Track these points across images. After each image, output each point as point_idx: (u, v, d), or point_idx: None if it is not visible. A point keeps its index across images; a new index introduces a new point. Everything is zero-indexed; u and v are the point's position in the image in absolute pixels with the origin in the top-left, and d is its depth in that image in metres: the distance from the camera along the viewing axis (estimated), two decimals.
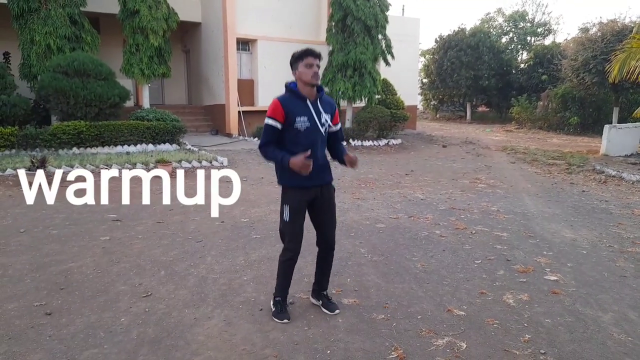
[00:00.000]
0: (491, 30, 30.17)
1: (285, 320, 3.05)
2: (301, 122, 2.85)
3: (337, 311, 3.18)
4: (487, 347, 2.77)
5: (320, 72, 2.91)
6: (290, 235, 3.02)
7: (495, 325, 3.05)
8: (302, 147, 2.84)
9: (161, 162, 8.54)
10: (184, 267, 4.02)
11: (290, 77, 3.00)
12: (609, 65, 11.12)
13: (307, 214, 3.10)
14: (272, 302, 3.19)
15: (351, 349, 2.73)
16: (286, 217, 2.97)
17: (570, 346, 2.80)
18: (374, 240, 4.84)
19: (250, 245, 4.64)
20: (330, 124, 3.02)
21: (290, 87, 2.93)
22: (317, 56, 2.88)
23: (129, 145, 10.64)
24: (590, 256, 4.48)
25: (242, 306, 3.28)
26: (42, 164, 7.48)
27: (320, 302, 3.28)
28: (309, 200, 3.02)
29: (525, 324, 3.07)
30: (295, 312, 3.20)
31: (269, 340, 2.83)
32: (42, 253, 4.29)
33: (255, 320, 3.07)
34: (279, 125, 2.85)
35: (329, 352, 2.70)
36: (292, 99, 2.89)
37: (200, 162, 9.59)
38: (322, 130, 2.95)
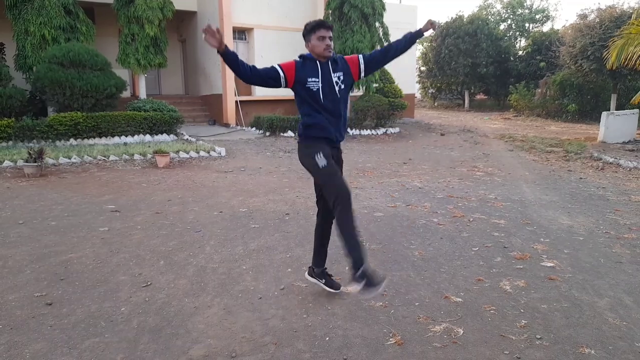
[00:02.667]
0: (489, 17, 29.98)
1: (386, 280, 2.90)
2: (312, 82, 2.90)
3: (341, 288, 3.23)
4: (483, 333, 2.81)
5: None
6: (334, 183, 2.83)
7: (492, 311, 3.08)
8: (320, 107, 2.91)
9: (159, 153, 8.54)
10: (183, 256, 4.04)
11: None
12: (606, 52, 11.09)
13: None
14: (356, 278, 2.68)
15: (349, 336, 2.76)
16: (322, 163, 2.84)
17: (566, 331, 2.84)
18: (372, 229, 4.87)
19: (249, 234, 4.66)
20: (344, 77, 2.98)
21: (307, 55, 2.98)
22: (330, 28, 2.92)
23: (126, 136, 10.63)
24: (586, 242, 4.52)
25: (241, 295, 3.31)
26: (40, 156, 7.47)
27: (323, 280, 3.30)
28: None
29: (522, 310, 3.10)
30: (294, 300, 3.23)
31: (269, 327, 2.86)
32: (41, 244, 4.30)
33: (255, 309, 3.10)
34: (282, 75, 2.88)
35: (327, 339, 2.73)
36: (305, 63, 2.95)
37: (198, 153, 9.59)
38: (337, 88, 2.95)
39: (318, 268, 3.33)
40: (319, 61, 2.94)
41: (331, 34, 2.93)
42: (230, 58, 2.77)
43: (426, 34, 3.16)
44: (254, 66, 2.92)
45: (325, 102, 2.93)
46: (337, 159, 3.10)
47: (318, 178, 2.98)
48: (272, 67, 2.91)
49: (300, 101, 3.01)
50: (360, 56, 3.10)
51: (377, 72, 14.10)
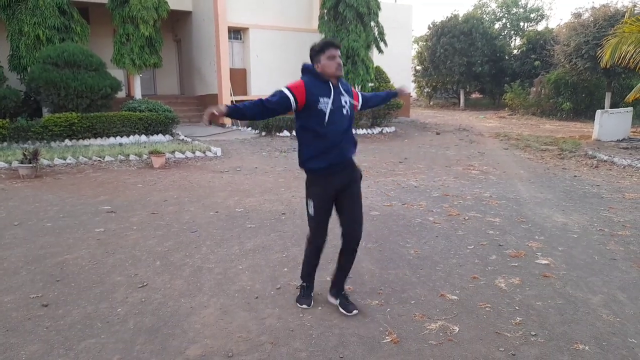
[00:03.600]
0: (484, 16, 30.05)
1: (305, 306, 3.11)
2: (324, 103, 2.79)
3: (355, 312, 3.02)
4: (479, 330, 2.83)
5: None
6: (315, 231, 3.05)
7: (487, 308, 3.10)
8: (330, 131, 2.81)
9: (154, 153, 8.52)
10: (179, 257, 4.04)
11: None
12: (601, 51, 11.13)
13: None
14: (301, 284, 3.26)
15: (346, 334, 2.78)
16: (311, 212, 2.97)
17: (561, 328, 2.86)
18: (368, 228, 4.86)
19: (245, 234, 4.66)
20: (352, 102, 3.02)
21: (313, 70, 2.87)
22: (338, 47, 2.85)
23: (121, 137, 10.59)
24: (581, 240, 4.55)
25: (237, 295, 3.32)
26: (35, 157, 7.44)
27: (339, 301, 3.13)
28: (335, 189, 2.93)
29: (517, 307, 3.13)
30: (290, 300, 3.24)
31: (265, 327, 2.87)
32: (37, 245, 4.29)
33: (251, 308, 3.11)
34: (292, 99, 2.75)
35: (324, 337, 2.74)
36: (316, 82, 2.84)
37: (194, 153, 9.58)
38: (344, 111, 2.89)
39: (335, 289, 3.19)
40: (331, 82, 2.85)
41: (340, 53, 2.85)
42: (234, 116, 2.78)
43: (399, 96, 3.65)
44: (261, 102, 2.77)
45: (334, 123, 2.82)
46: (349, 181, 2.97)
47: (307, 217, 3.09)
48: (281, 94, 2.75)
49: (302, 126, 2.88)
50: (359, 94, 3.24)
51: (372, 71, 14.12)
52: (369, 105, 3.40)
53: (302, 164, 2.96)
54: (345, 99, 2.91)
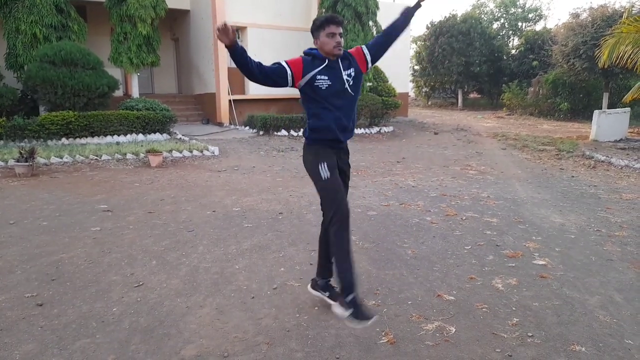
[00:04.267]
0: (482, 16, 30.05)
1: (375, 318, 2.63)
2: (321, 79, 2.72)
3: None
4: (475, 331, 2.82)
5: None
6: (334, 198, 2.74)
7: (484, 309, 3.10)
8: (329, 107, 2.75)
9: (151, 152, 8.49)
10: (175, 256, 4.03)
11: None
12: (598, 51, 11.14)
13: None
14: (343, 304, 2.59)
15: (342, 335, 2.76)
16: (326, 175, 2.73)
17: (557, 329, 2.85)
18: (365, 228, 4.87)
19: (242, 234, 4.65)
20: (355, 73, 2.83)
21: (312, 51, 2.80)
22: (340, 23, 2.73)
23: (118, 136, 10.56)
24: (578, 240, 4.55)
25: (234, 294, 3.30)
26: (31, 155, 7.41)
27: (327, 293, 3.07)
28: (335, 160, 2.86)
29: (514, 308, 3.12)
30: (286, 300, 3.22)
31: (261, 327, 2.86)
32: (32, 244, 4.27)
33: (247, 308, 3.10)
34: (289, 72, 2.69)
35: (320, 338, 2.73)
36: (314, 60, 2.77)
37: (191, 152, 9.56)
38: (348, 86, 2.79)
39: (322, 280, 3.12)
40: (328, 59, 2.76)
41: (341, 30, 2.76)
42: (238, 52, 2.57)
43: (423, 4, 2.99)
44: (260, 63, 2.70)
45: (335, 100, 2.76)
46: (342, 161, 2.95)
47: (319, 189, 2.82)
48: (279, 64, 2.71)
49: (307, 99, 2.84)
50: (364, 46, 2.95)
51: (371, 71, 14.10)
52: (390, 40, 2.94)
53: (311, 135, 2.88)
54: (347, 73, 2.80)
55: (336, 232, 2.67)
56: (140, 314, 3.01)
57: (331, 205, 2.74)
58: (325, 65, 2.77)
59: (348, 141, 3.02)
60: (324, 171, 2.74)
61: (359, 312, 2.54)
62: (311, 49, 2.87)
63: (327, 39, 2.72)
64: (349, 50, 2.95)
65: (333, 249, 2.71)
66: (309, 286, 3.26)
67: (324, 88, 2.74)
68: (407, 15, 2.96)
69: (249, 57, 2.64)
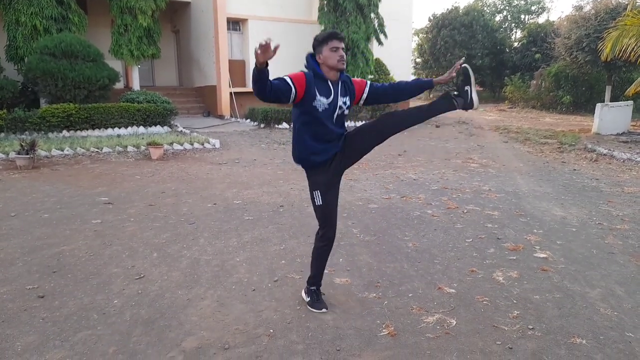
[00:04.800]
0: (485, 8, 29.89)
1: (324, 310, 2.96)
2: (320, 101, 2.72)
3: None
4: (476, 324, 2.82)
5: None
6: (326, 222, 2.92)
7: (484, 302, 3.10)
8: (318, 125, 2.76)
9: (152, 145, 8.48)
10: (176, 249, 4.03)
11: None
12: (601, 44, 11.07)
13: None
14: (310, 288, 3.07)
15: (343, 327, 2.77)
16: (319, 202, 2.87)
17: (558, 321, 2.85)
18: (366, 221, 4.87)
19: (243, 226, 4.64)
20: (349, 103, 2.88)
21: (314, 68, 2.77)
22: (342, 39, 2.75)
23: (119, 128, 10.55)
24: (579, 234, 4.54)
25: (235, 287, 3.31)
26: (32, 148, 7.41)
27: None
28: (337, 170, 2.93)
29: (514, 301, 3.12)
30: (287, 292, 3.23)
31: (262, 319, 2.86)
32: (33, 237, 4.27)
33: (248, 301, 3.10)
34: (292, 88, 2.63)
35: (320, 330, 2.74)
36: (316, 80, 2.75)
37: (192, 145, 9.55)
38: (339, 112, 2.82)
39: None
40: (330, 81, 2.76)
41: (343, 46, 2.76)
42: (265, 74, 2.52)
43: (438, 84, 3.09)
44: (270, 82, 2.59)
45: (327, 122, 2.77)
46: (347, 146, 2.94)
47: (314, 209, 2.95)
48: (285, 83, 2.63)
49: (297, 117, 2.81)
50: (368, 84, 2.95)
51: (372, 63, 14.04)
52: (383, 100, 3.05)
53: (300, 160, 2.91)
54: (342, 100, 2.82)
55: (321, 248, 3.00)
56: (141, 306, 3.02)
57: (324, 224, 2.95)
58: (328, 87, 2.76)
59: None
60: (317, 198, 2.89)
61: (314, 302, 3.02)
62: (311, 55, 2.81)
63: (330, 53, 2.71)
64: (352, 79, 2.94)
65: (313, 260, 3.05)
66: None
67: (320, 110, 2.73)
68: (420, 88, 3.05)
69: (274, 83, 2.60)
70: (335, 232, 2.99)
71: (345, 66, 2.79)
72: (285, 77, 2.66)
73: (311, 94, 2.70)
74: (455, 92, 2.92)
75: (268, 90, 2.56)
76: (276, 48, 2.37)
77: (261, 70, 2.45)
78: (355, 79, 2.99)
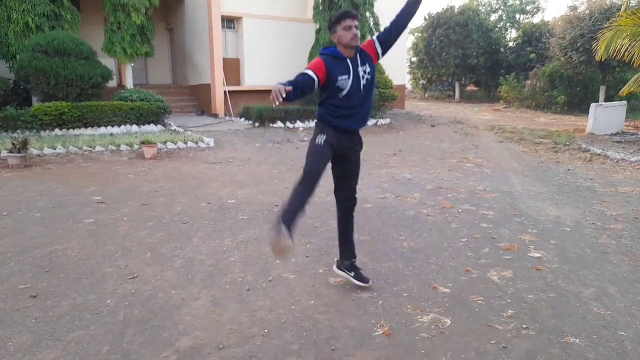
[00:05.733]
0: (480, 8, 29.94)
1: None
2: (342, 80, 2.88)
3: (370, 282, 3.23)
4: (470, 323, 2.82)
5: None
6: (312, 161, 2.92)
7: (479, 301, 3.10)
8: (346, 104, 2.92)
9: (146, 144, 8.43)
10: (170, 248, 4.01)
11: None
12: (596, 44, 11.12)
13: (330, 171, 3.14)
14: (276, 220, 2.77)
15: (337, 327, 2.76)
16: (320, 141, 2.93)
17: (552, 321, 2.86)
18: (361, 220, 4.84)
19: (237, 226, 4.63)
20: (370, 68, 3.00)
21: (330, 50, 2.93)
22: (355, 17, 2.88)
23: (112, 127, 10.48)
24: (573, 233, 4.56)
25: (229, 287, 3.29)
26: (24, 146, 7.34)
27: (352, 273, 3.26)
28: (340, 145, 3.01)
29: (509, 300, 3.12)
30: (282, 292, 3.21)
31: (256, 319, 2.85)
32: (25, 236, 4.23)
33: (243, 300, 3.08)
34: (314, 77, 2.82)
35: (315, 330, 2.73)
36: (333, 60, 2.91)
37: (186, 143, 9.49)
38: (364, 82, 2.95)
39: (347, 261, 3.29)
40: (348, 58, 2.92)
41: (357, 23, 2.89)
42: (296, 95, 2.72)
43: None
44: (296, 82, 2.76)
45: (350, 98, 2.93)
46: (352, 146, 3.09)
47: (308, 148, 3.01)
48: (307, 76, 2.80)
49: (323, 94, 2.98)
50: (375, 38, 3.08)
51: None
52: (395, 37, 3.06)
53: (323, 121, 3.02)
54: (363, 69, 2.96)
55: (301, 187, 2.85)
56: (135, 305, 3.00)
57: (307, 165, 2.91)
58: (346, 65, 2.92)
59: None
60: (320, 138, 2.94)
61: (276, 232, 2.68)
62: (326, 47, 2.99)
63: (344, 32, 2.87)
64: (362, 46, 3.05)
65: (292, 192, 2.86)
66: (334, 267, 3.39)
67: (344, 88, 2.90)
68: (415, 2, 3.05)
69: (296, 87, 2.72)
70: (355, 201, 3.19)
71: (358, 42, 2.92)
72: (305, 71, 2.83)
73: (333, 76, 2.87)
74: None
75: (300, 92, 2.76)
76: (285, 90, 2.57)
77: (291, 99, 2.70)
78: (364, 44, 3.08)
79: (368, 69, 2.99)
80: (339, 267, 3.34)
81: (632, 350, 2.56)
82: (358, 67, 2.94)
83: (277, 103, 2.57)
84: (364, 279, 3.25)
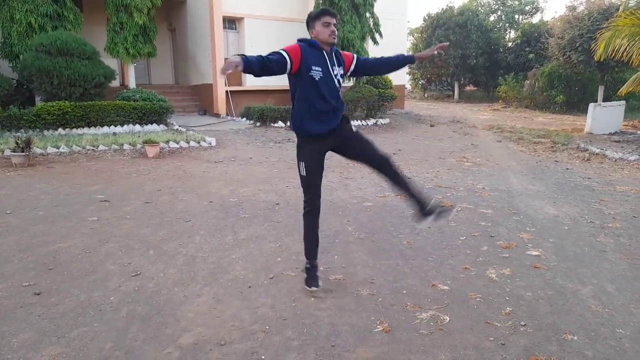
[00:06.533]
0: (479, 8, 29.98)
1: (314, 288, 3.14)
2: (316, 71, 2.90)
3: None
4: (469, 320, 2.86)
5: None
6: (308, 192, 3.11)
7: (477, 299, 3.14)
8: (315, 94, 2.93)
9: (148, 143, 8.48)
10: (172, 246, 4.05)
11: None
12: (594, 44, 11.15)
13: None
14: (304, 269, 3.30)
15: (338, 324, 2.80)
16: (302, 173, 3.07)
17: (550, 318, 2.90)
18: (361, 219, 4.90)
19: (239, 224, 4.67)
20: (342, 72, 3.07)
21: (309, 40, 2.96)
22: (334, 15, 2.95)
23: (115, 126, 10.53)
24: (571, 232, 4.59)
25: (230, 284, 3.33)
26: (27, 145, 7.38)
27: (434, 214, 3.15)
28: (326, 150, 3.10)
29: (507, 298, 3.16)
30: (283, 289, 3.25)
31: (258, 316, 2.89)
32: (29, 234, 4.28)
33: (244, 297, 3.12)
34: (288, 60, 2.81)
35: (316, 326, 2.77)
36: (310, 49, 2.94)
37: (188, 143, 9.54)
38: (336, 80, 3.00)
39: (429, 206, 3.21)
40: (325, 51, 2.95)
41: (335, 21, 2.94)
42: (250, 68, 2.66)
43: (418, 61, 3.29)
44: (262, 57, 2.75)
45: (324, 91, 2.94)
46: (343, 139, 3.13)
47: (299, 178, 3.15)
48: (280, 55, 2.81)
49: (295, 88, 2.99)
50: (355, 57, 3.15)
51: None
52: (369, 72, 3.28)
53: (296, 128, 3.07)
54: (336, 70, 3.00)
55: (307, 213, 3.16)
56: (138, 302, 3.04)
57: (306, 192, 3.13)
58: (322, 56, 2.95)
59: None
60: (302, 170, 3.08)
61: (306, 279, 3.21)
62: (299, 39, 3.00)
63: (322, 28, 2.91)
64: (341, 52, 3.13)
65: (304, 230, 3.22)
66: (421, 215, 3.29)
67: (317, 78, 2.92)
68: (402, 63, 3.24)
69: (252, 61, 2.69)
70: (320, 200, 3.17)
71: (336, 40, 2.97)
72: (280, 50, 2.84)
73: (307, 65, 2.88)
74: (429, 209, 3.17)
75: (260, 68, 2.72)
76: (236, 64, 2.55)
77: (246, 71, 2.67)
78: (345, 52, 3.17)
79: (340, 72, 3.03)
80: (426, 214, 3.18)
81: (630, 347, 2.60)
82: (333, 65, 2.98)
83: (226, 74, 2.52)
84: (445, 213, 3.20)
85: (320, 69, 2.91)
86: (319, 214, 3.19)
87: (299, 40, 2.99)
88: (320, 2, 13.78)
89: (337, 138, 3.11)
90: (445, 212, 3.16)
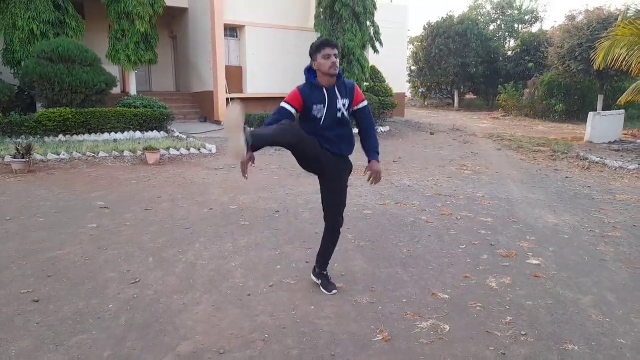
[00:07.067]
0: (479, 17, 30.18)
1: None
2: (317, 109, 2.98)
3: (334, 291, 3.30)
4: (469, 329, 2.85)
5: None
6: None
7: (478, 307, 3.13)
8: (320, 126, 3.01)
9: (149, 150, 8.49)
10: (172, 253, 4.04)
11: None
12: (594, 53, 11.21)
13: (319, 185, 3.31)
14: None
15: (337, 332, 2.79)
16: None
17: (550, 327, 2.89)
18: (361, 226, 4.90)
19: (239, 231, 4.66)
20: (348, 106, 3.10)
21: (309, 78, 3.03)
22: (334, 46, 2.99)
23: (115, 133, 10.55)
24: (571, 240, 4.59)
25: (230, 291, 3.32)
26: (28, 152, 7.39)
27: (320, 281, 3.40)
28: (324, 158, 3.09)
29: (507, 307, 3.15)
30: (282, 297, 3.24)
31: (257, 324, 2.87)
32: (28, 240, 4.27)
33: (243, 305, 3.11)
34: (292, 110, 2.97)
35: (315, 335, 2.75)
36: (311, 89, 3.02)
37: (189, 150, 9.56)
38: (339, 114, 3.05)
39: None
40: (325, 88, 3.00)
41: (336, 52, 2.99)
42: (258, 144, 2.85)
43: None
44: (269, 124, 2.91)
45: (327, 124, 3.02)
46: (338, 164, 3.18)
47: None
48: (283, 109, 2.96)
49: (302, 123, 3.07)
50: (363, 103, 3.20)
51: (367, 70, 14.14)
52: (358, 124, 3.32)
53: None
54: (340, 102, 3.04)
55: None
56: (137, 310, 3.02)
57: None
58: (322, 94, 3.01)
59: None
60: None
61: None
62: (307, 68, 3.08)
63: (323, 60, 2.97)
64: (356, 87, 3.17)
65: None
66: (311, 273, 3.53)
67: (318, 116, 3.00)
68: (367, 151, 3.38)
69: (263, 133, 2.84)
70: (336, 222, 3.27)
71: (337, 71, 3.00)
72: (282, 106, 2.98)
73: (308, 106, 2.98)
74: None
75: (271, 138, 2.86)
76: (249, 157, 2.87)
77: (255, 148, 2.87)
78: (359, 90, 3.21)
79: (347, 104, 3.07)
80: (317, 275, 3.47)
81: (631, 357, 2.59)
82: (336, 98, 3.02)
83: (247, 175, 2.90)
84: (328, 288, 3.33)
85: (321, 105, 2.98)
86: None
87: (297, 87, 3.02)
88: (321, 10, 13.87)
89: (336, 159, 3.14)
90: (327, 288, 3.32)
